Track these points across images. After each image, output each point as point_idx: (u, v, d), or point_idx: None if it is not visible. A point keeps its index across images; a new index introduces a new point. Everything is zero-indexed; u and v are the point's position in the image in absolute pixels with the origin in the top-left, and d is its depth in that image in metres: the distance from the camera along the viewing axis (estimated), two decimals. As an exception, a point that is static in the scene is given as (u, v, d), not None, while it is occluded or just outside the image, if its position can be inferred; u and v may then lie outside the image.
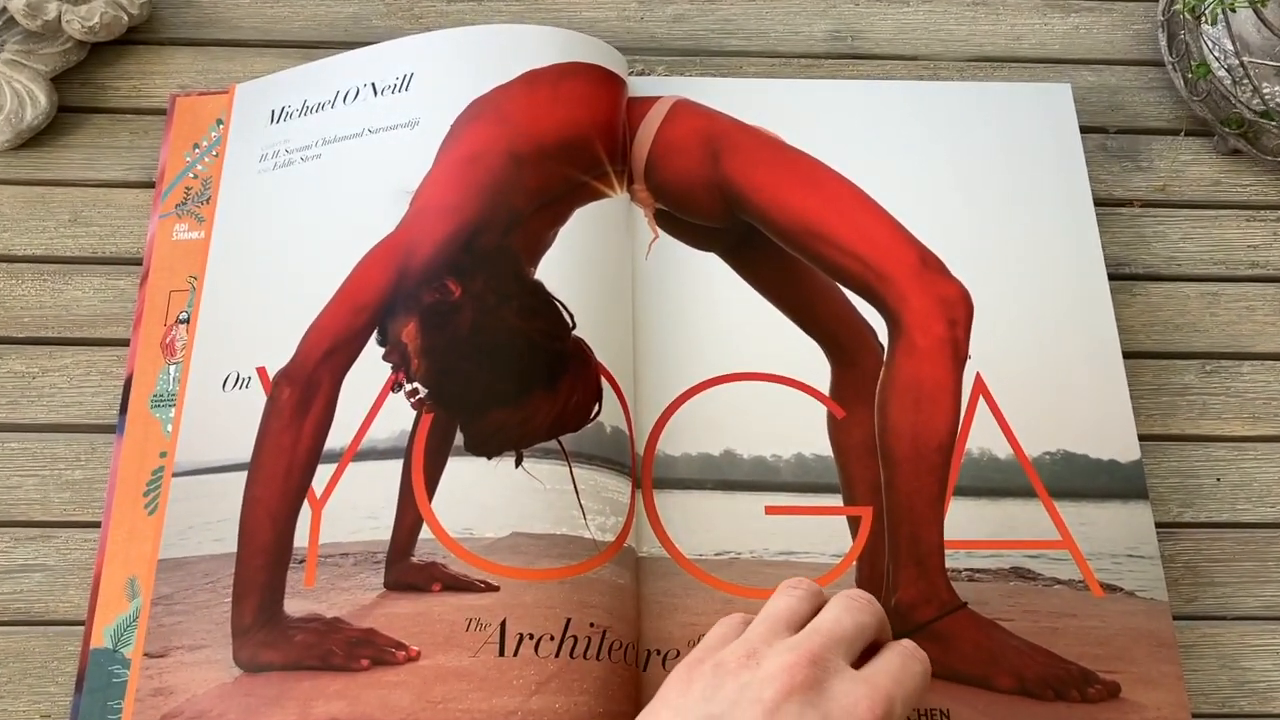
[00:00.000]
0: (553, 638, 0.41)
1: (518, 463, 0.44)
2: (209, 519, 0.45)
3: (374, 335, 0.47)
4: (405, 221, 0.49)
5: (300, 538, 0.44)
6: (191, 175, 0.54)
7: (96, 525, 0.48)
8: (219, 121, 0.55)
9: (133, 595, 0.45)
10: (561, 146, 0.50)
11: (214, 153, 0.54)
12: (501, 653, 0.41)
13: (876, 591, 0.45)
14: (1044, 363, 0.50)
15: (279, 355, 0.48)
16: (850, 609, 0.36)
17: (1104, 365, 0.50)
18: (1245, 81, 0.54)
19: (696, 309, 0.51)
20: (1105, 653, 0.44)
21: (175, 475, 0.47)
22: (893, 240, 0.52)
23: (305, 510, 0.45)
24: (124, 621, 0.45)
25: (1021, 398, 0.49)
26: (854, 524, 0.47)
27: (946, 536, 0.46)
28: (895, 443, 0.48)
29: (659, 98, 0.55)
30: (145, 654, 0.43)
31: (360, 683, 0.41)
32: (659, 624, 0.45)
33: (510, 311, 0.46)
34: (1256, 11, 0.51)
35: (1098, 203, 0.54)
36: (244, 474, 0.46)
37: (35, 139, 0.55)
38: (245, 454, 0.46)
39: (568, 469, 0.45)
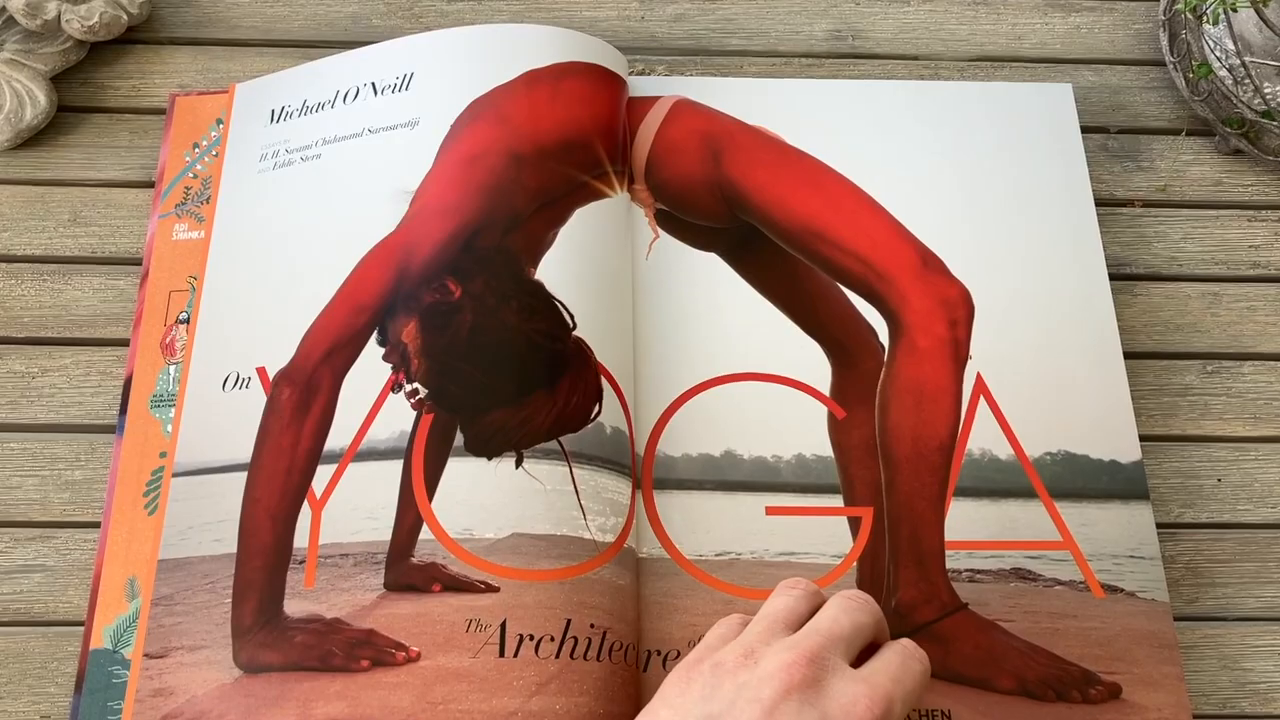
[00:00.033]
0: (553, 638, 0.41)
1: (518, 463, 0.44)
2: (209, 519, 0.45)
3: (374, 335, 0.47)
4: (405, 222, 0.49)
5: (300, 538, 0.44)
6: (191, 175, 0.54)
7: (96, 525, 0.48)
8: (219, 121, 0.55)
9: (132, 596, 0.45)
10: (562, 146, 0.50)
11: (214, 152, 0.54)
12: (502, 653, 0.41)
13: (877, 592, 0.45)
14: (1045, 363, 0.50)
15: (279, 355, 0.48)
16: (848, 609, 0.36)
17: (1105, 365, 0.50)
18: (1247, 81, 0.54)
19: (697, 309, 0.51)
20: (1106, 654, 0.44)
21: (175, 475, 0.47)
22: (893, 240, 0.51)
23: (305, 511, 0.45)
24: (124, 622, 0.45)
25: (1022, 398, 0.49)
26: (854, 525, 0.47)
27: (947, 537, 0.46)
28: (896, 443, 0.48)
29: (659, 97, 0.55)
30: (145, 654, 0.43)
31: (360, 683, 0.41)
32: (659, 625, 0.45)
33: (510, 312, 0.46)
34: (1258, 11, 0.51)
35: (1099, 203, 0.54)
36: (244, 474, 0.46)
37: (35, 139, 0.55)
38: (245, 454, 0.46)
39: (568, 469, 0.45)
